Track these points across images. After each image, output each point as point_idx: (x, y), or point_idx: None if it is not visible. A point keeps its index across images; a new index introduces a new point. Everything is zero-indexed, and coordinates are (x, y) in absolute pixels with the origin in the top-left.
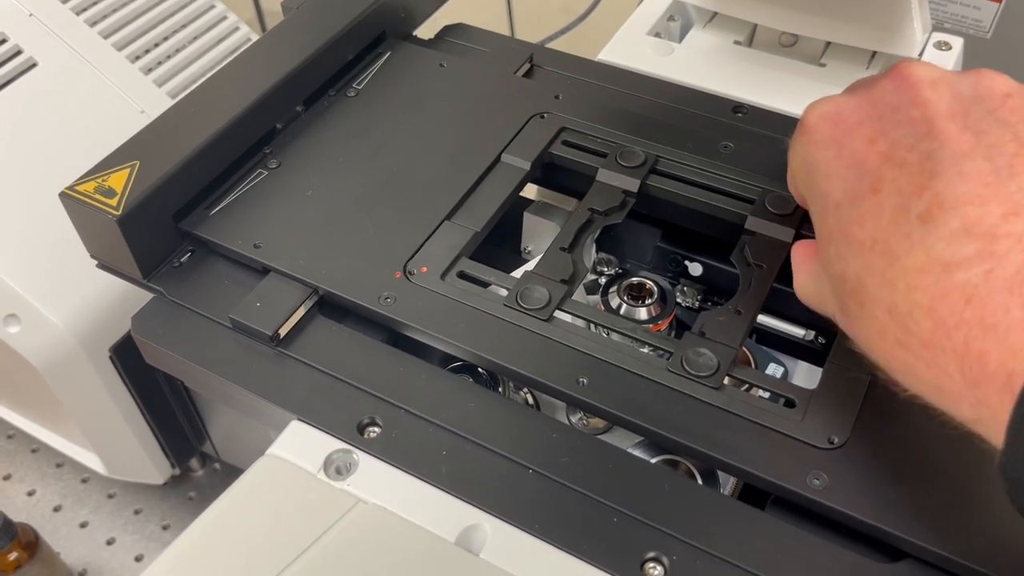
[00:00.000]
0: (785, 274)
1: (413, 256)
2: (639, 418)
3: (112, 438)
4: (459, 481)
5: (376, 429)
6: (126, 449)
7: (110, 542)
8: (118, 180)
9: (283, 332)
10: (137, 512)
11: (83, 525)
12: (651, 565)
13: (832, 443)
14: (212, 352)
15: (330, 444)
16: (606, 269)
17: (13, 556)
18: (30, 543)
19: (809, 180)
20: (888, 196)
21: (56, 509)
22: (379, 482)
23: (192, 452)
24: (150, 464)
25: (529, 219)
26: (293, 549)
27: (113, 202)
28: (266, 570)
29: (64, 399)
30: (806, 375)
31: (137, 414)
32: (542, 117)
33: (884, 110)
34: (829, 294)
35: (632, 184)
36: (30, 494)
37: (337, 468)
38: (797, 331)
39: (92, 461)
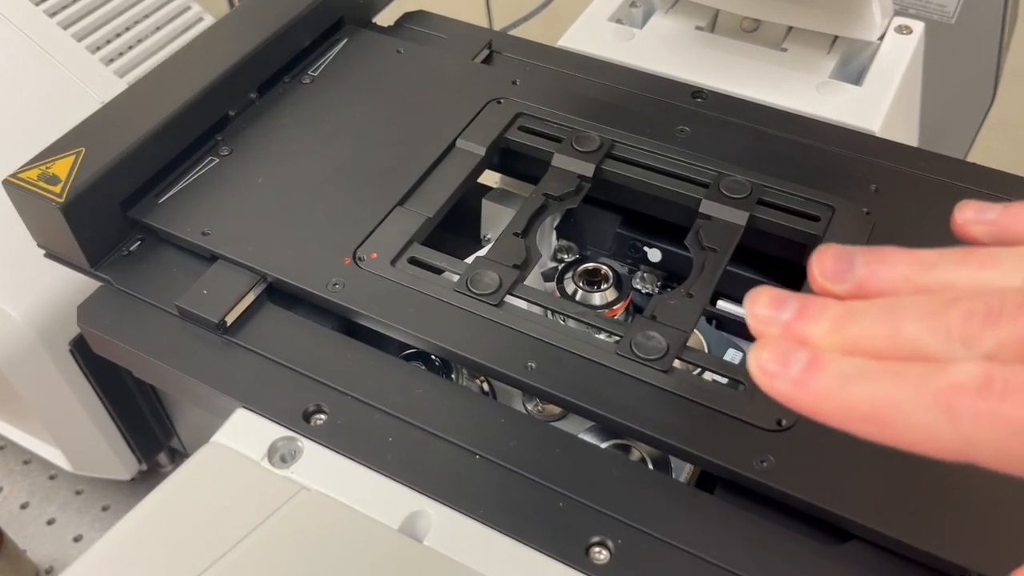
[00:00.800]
0: (739, 257)
1: (363, 242)
2: (587, 402)
3: (76, 434)
4: (405, 468)
5: (322, 416)
6: (91, 445)
7: (77, 539)
8: (62, 167)
9: (230, 320)
10: (105, 508)
11: (50, 522)
12: (596, 549)
13: (780, 425)
14: (159, 341)
15: (275, 432)
16: (567, 256)
17: None
18: None
19: None
20: None
21: (23, 506)
22: (324, 469)
23: (159, 447)
24: (116, 460)
25: (488, 206)
26: (233, 536)
27: (56, 189)
28: (205, 556)
29: (25, 394)
30: None
31: (101, 409)
32: (499, 103)
33: None
34: None
35: (587, 169)
36: None
37: (281, 456)
38: None
39: (57, 457)
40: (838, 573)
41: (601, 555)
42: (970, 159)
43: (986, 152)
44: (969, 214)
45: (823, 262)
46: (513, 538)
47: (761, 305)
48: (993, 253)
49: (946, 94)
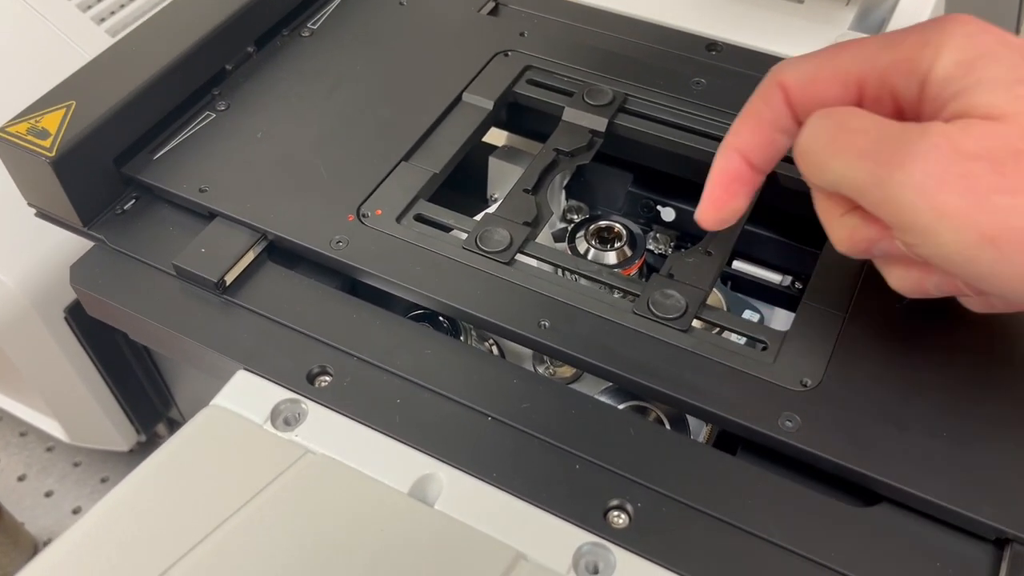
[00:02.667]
0: (757, 217)
1: (367, 199)
2: (603, 361)
3: (73, 404)
4: (413, 430)
5: (327, 378)
6: (88, 415)
7: (76, 511)
8: (52, 121)
9: (229, 279)
10: (104, 480)
11: (48, 494)
12: (615, 513)
13: (804, 385)
14: (155, 301)
15: (278, 394)
16: (576, 216)
17: None
18: None
19: (987, 50)
20: None
21: (20, 479)
22: (329, 432)
23: (158, 418)
24: (114, 431)
25: (495, 164)
26: (235, 501)
27: (47, 143)
28: (206, 522)
29: (20, 363)
30: (783, 322)
31: (98, 378)
32: (506, 55)
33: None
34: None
35: (599, 123)
36: None
37: (285, 418)
38: (773, 277)
39: (54, 428)
40: (867, 536)
41: (620, 519)
42: None
43: None
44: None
45: None
46: (528, 501)
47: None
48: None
49: None
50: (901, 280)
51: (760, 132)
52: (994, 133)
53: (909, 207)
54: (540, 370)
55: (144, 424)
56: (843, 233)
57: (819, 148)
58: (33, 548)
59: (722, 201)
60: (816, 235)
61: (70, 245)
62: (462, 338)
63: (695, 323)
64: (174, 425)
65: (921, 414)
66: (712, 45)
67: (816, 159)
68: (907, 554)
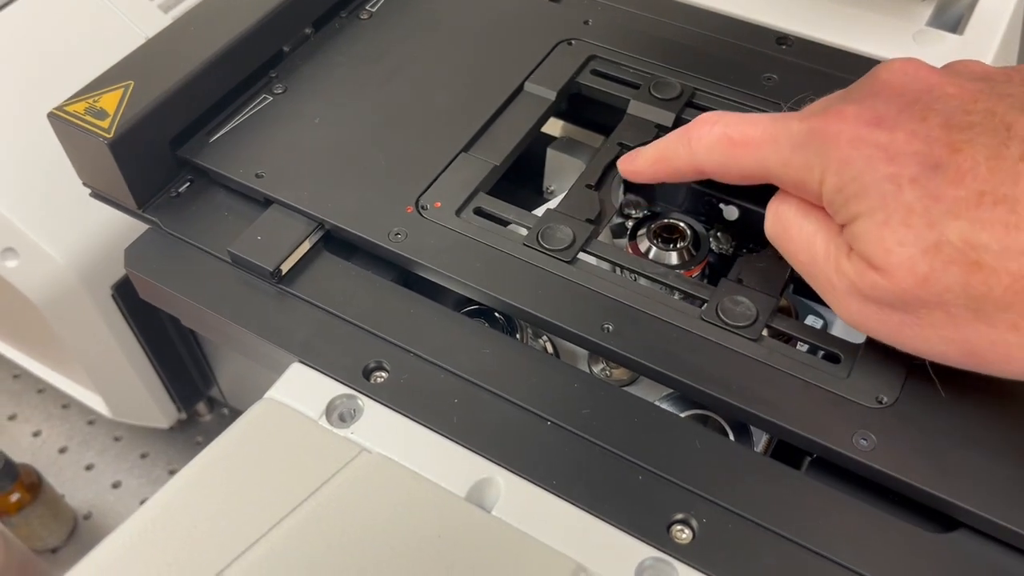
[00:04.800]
0: None
1: (426, 190)
2: (669, 369)
3: (116, 380)
4: (471, 432)
5: (383, 374)
6: (131, 391)
7: (115, 485)
8: (110, 101)
9: (285, 268)
10: (143, 456)
11: (88, 468)
12: (679, 527)
13: (880, 402)
14: (209, 288)
15: (333, 388)
16: (634, 212)
17: (15, 497)
18: (33, 484)
19: (858, 173)
20: (974, 151)
21: (61, 451)
22: (385, 430)
23: (199, 396)
24: (155, 408)
25: (553, 156)
26: (291, 499)
27: (104, 124)
28: (262, 519)
29: (66, 338)
30: (847, 328)
31: (141, 355)
32: (569, 44)
33: (912, 97)
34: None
35: (666, 118)
36: (35, 435)
37: (340, 414)
38: None
39: (97, 403)
40: (944, 562)
41: (684, 533)
42: None
43: None
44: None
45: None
46: (588, 512)
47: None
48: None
49: None
50: None
51: (665, 172)
52: (881, 285)
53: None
54: (596, 370)
55: (185, 402)
56: None
57: (777, 242)
58: (73, 521)
59: (638, 172)
60: None
61: (118, 222)
62: (518, 335)
63: (764, 331)
64: (214, 404)
65: (1003, 437)
66: (783, 39)
67: (778, 245)
68: None
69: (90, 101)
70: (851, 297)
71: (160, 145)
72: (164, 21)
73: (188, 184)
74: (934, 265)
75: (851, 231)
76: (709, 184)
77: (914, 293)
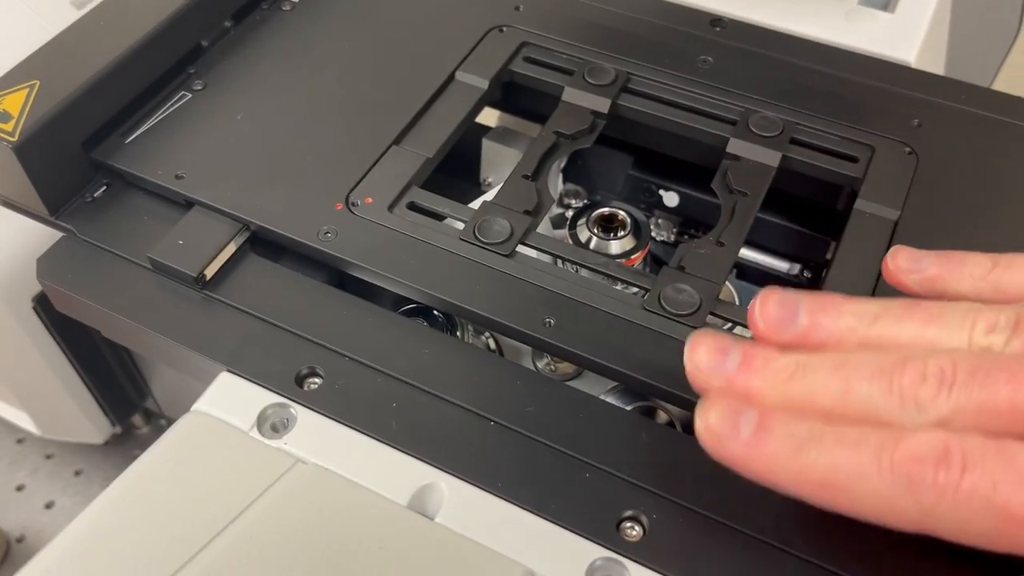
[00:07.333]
0: (764, 202)
1: (356, 186)
2: (613, 361)
3: (43, 395)
4: (411, 436)
5: (317, 380)
6: (60, 407)
7: (49, 506)
8: (14, 103)
9: (209, 273)
10: (78, 473)
11: (19, 488)
12: (629, 525)
13: None
14: (130, 297)
15: (264, 398)
16: (574, 201)
17: None
18: None
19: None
20: None
21: None
22: (320, 439)
23: (134, 409)
24: (87, 422)
25: (488, 146)
26: (223, 516)
27: (8, 127)
28: (193, 539)
29: None
30: None
31: (69, 369)
32: (501, 31)
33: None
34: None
35: (602, 104)
36: None
37: (272, 424)
38: (781, 265)
39: (24, 421)
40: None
41: (634, 531)
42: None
43: (1009, 82)
44: (902, 263)
45: (766, 308)
46: (535, 513)
47: (702, 353)
48: (936, 310)
49: (971, 22)
50: None
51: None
52: None
53: None
54: (540, 366)
55: (119, 416)
56: None
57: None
58: (6, 545)
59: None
60: (826, 221)
61: (36, 231)
62: (459, 333)
63: (708, 318)
64: (151, 416)
65: None
66: (716, 21)
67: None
68: None
69: None
70: None
71: (72, 148)
72: (76, 17)
73: (104, 188)
74: None
75: None
76: (648, 170)
77: None
